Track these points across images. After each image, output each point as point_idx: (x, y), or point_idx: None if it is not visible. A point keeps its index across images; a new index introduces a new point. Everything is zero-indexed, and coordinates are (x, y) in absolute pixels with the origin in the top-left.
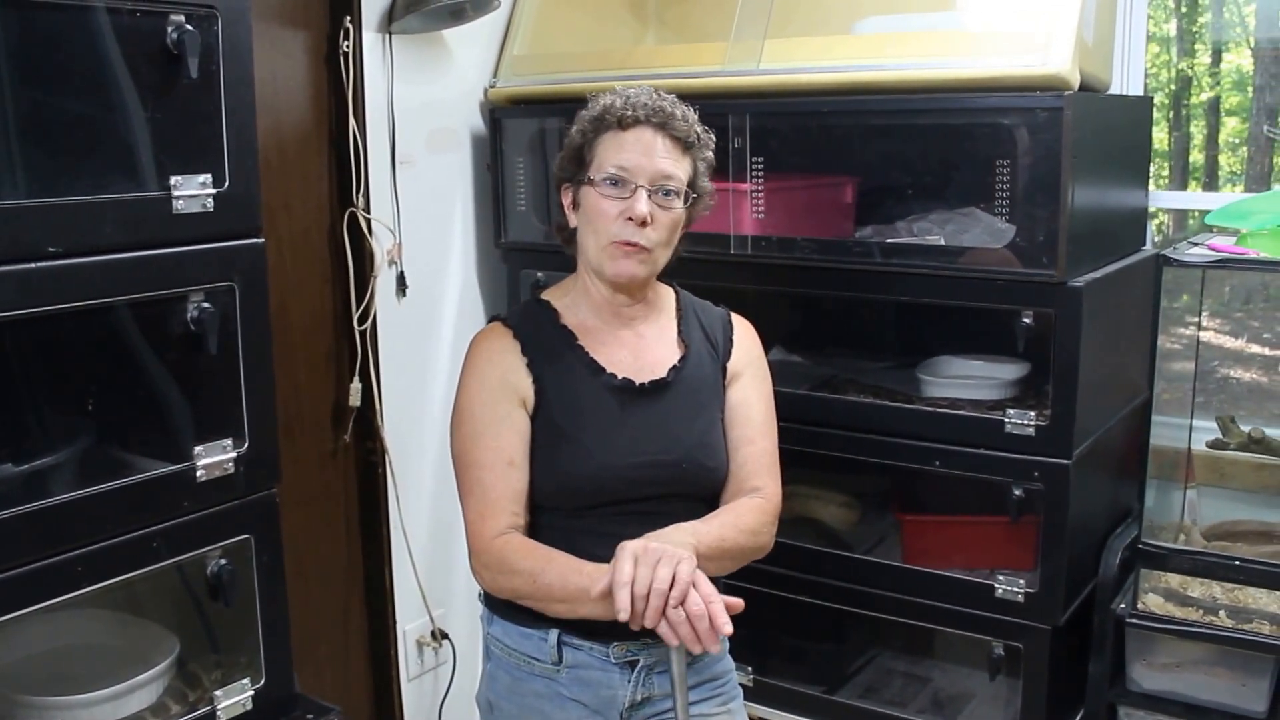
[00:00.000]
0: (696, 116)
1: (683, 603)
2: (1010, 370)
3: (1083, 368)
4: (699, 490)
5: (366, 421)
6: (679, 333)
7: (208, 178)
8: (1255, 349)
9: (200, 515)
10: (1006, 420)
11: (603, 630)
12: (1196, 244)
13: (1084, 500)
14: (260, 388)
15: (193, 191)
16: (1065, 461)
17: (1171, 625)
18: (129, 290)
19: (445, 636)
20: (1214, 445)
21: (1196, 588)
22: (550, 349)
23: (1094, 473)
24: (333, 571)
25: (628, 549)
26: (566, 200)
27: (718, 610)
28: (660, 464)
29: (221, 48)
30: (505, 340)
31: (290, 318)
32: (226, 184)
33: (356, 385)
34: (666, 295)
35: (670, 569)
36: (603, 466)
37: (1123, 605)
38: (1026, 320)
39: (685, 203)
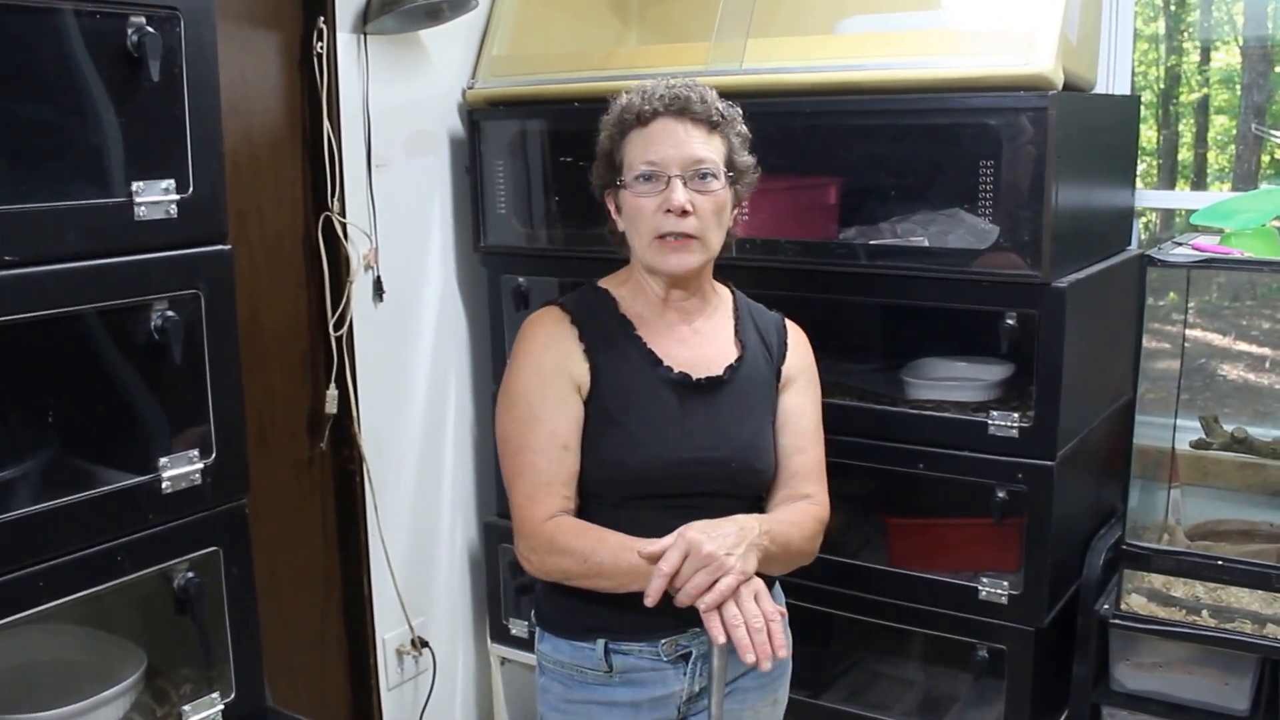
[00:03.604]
0: (716, 95)
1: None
2: (994, 371)
3: (1067, 369)
4: (744, 490)
5: (343, 429)
6: (736, 332)
7: (171, 183)
8: (1242, 347)
9: (166, 528)
10: (990, 422)
11: (649, 628)
12: (1181, 244)
13: (1068, 501)
14: (228, 397)
15: (155, 198)
16: (1049, 463)
17: (1155, 625)
18: (90, 299)
19: (425, 645)
20: (1197, 445)
21: (1180, 588)
22: (608, 336)
23: (1078, 474)
24: (310, 581)
25: (685, 539)
26: (611, 206)
27: (776, 630)
28: (710, 461)
29: (184, 49)
30: (563, 325)
31: (264, 324)
32: (190, 189)
33: (333, 392)
34: (724, 294)
35: (709, 579)
36: (652, 458)
37: (1106, 606)
38: (1010, 321)
39: (726, 183)
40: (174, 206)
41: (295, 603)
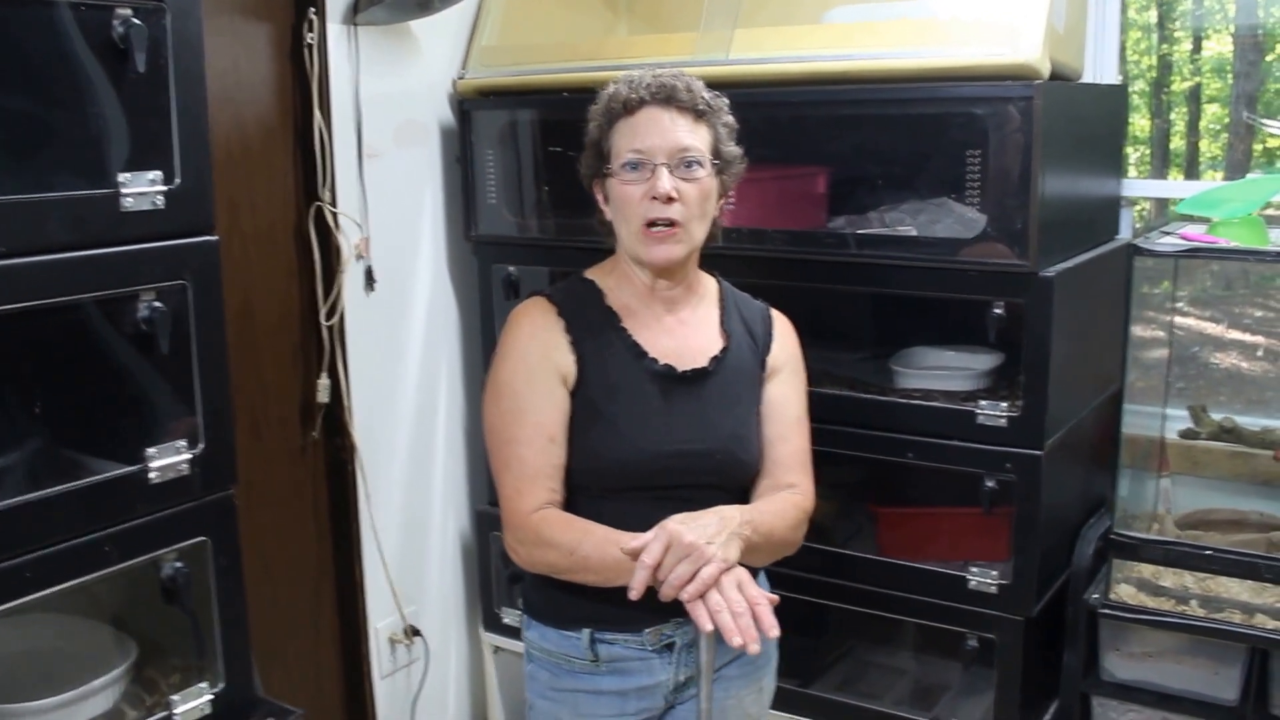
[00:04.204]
0: (703, 85)
1: (722, 593)
2: (983, 361)
3: (1054, 358)
4: (730, 482)
5: (335, 418)
6: (721, 323)
7: (157, 174)
8: (1235, 335)
9: (154, 518)
10: (979, 411)
11: (634, 619)
12: (1169, 233)
13: (1056, 491)
14: (215, 388)
15: (142, 189)
16: (1037, 452)
17: (1144, 615)
18: (76, 290)
19: (417, 633)
20: (1185, 435)
21: (1169, 577)
22: (594, 328)
23: (1067, 463)
24: (302, 570)
25: (666, 531)
26: (599, 196)
27: (761, 613)
28: (695, 453)
29: (170, 41)
30: (549, 316)
31: (256, 314)
32: (177, 180)
33: (324, 381)
34: (710, 284)
35: (692, 569)
36: (637, 451)
37: (1095, 595)
38: (998, 311)
39: (712, 171)
40: (160, 197)
41: (287, 591)
